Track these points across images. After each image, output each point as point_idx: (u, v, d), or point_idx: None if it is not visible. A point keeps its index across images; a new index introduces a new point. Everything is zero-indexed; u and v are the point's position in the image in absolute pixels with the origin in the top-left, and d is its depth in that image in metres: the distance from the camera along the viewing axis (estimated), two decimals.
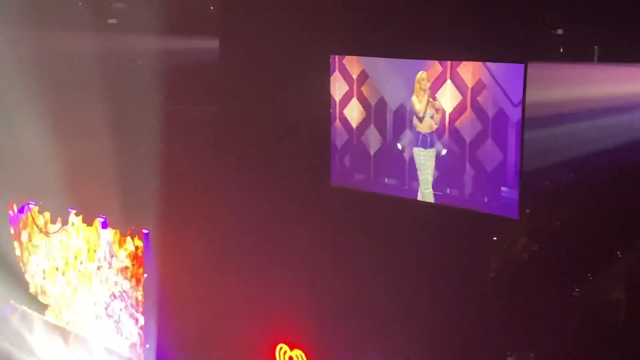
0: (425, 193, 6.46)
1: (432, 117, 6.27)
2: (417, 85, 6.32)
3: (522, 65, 5.76)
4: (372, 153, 6.80)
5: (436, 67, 6.27)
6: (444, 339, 6.52)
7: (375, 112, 6.72)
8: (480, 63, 5.99)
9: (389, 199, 6.74)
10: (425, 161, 6.41)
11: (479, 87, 6.07)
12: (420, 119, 6.32)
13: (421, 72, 6.30)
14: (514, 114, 5.91)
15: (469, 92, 6.14)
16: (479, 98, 6.09)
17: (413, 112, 6.46)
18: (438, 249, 6.58)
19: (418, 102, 6.28)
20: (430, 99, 6.23)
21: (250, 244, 7.60)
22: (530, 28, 5.96)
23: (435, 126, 6.26)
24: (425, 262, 6.64)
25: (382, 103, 6.66)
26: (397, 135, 6.57)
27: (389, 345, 6.83)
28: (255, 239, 7.59)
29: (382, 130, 6.69)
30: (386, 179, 6.75)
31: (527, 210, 6.19)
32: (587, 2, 5.72)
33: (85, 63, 8.15)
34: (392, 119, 6.56)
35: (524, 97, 5.79)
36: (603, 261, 6.07)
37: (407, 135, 6.49)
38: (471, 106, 6.12)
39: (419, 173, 6.46)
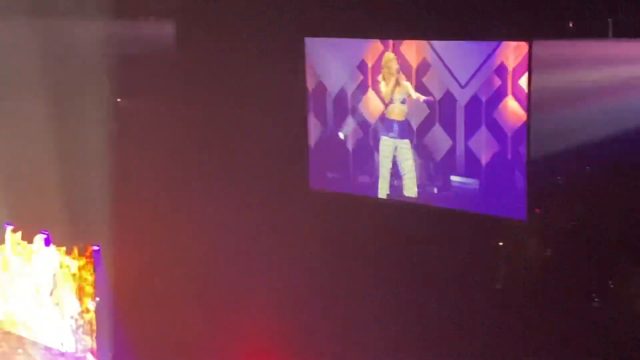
0: (409, 188, 6.44)
1: (403, 102, 6.23)
2: (384, 69, 6.27)
3: (510, 44, 5.69)
4: (312, 145, 6.83)
5: (376, 46, 6.31)
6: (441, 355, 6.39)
7: (313, 98, 6.87)
8: (425, 41, 6.07)
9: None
10: (404, 153, 6.38)
11: (423, 67, 6.15)
12: (386, 105, 6.31)
13: (388, 52, 6.24)
14: (462, 96, 5.96)
15: (413, 73, 6.19)
16: (424, 79, 6.17)
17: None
18: (434, 255, 6.44)
19: (385, 86, 6.28)
20: (401, 82, 6.28)
21: (215, 257, 7.43)
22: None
23: (407, 112, 6.27)
24: (420, 270, 6.51)
25: (320, 87, 6.75)
26: (338, 123, 6.72)
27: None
28: (221, 251, 7.40)
29: (321, 118, 6.83)
30: (330, 173, 6.87)
31: (537, 210, 6.03)
32: None
33: (21, 55, 7.92)
34: (332, 106, 6.73)
35: (529, 82, 5.66)
36: (626, 265, 5.82)
37: (349, 124, 6.62)
38: (416, 88, 6.22)
39: (382, 166, 6.48)
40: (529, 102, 5.68)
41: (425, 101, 6.10)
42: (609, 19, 5.57)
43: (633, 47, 5.53)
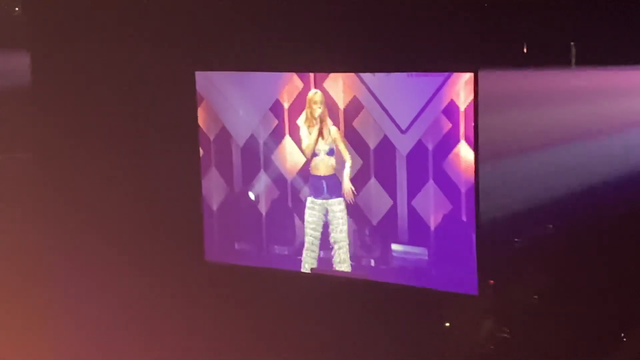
0: (341, 261, 6.02)
1: (330, 154, 5.91)
2: (307, 111, 5.85)
3: (462, 76, 5.30)
4: (215, 208, 6.43)
5: (293, 81, 5.89)
6: None
7: (215, 148, 6.49)
8: (353, 75, 5.67)
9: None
10: (337, 217, 5.92)
11: (354, 107, 5.77)
12: (309, 158, 5.97)
13: (314, 91, 5.78)
14: (403, 144, 5.63)
15: (341, 115, 5.80)
16: (355, 123, 5.78)
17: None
18: (366, 342, 5.77)
19: (307, 135, 5.89)
20: (328, 129, 5.88)
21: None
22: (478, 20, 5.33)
23: (336, 165, 5.94)
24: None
25: (224, 135, 6.36)
26: (247, 180, 6.31)
27: None
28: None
29: (225, 174, 6.43)
30: (237, 244, 6.40)
31: (491, 282, 5.53)
32: None
33: None
34: (239, 158, 6.36)
35: (476, 121, 5.29)
36: (603, 348, 5.21)
37: (262, 180, 6.26)
38: (345, 135, 5.87)
39: (308, 235, 6.03)
40: (477, 146, 5.36)
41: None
42: (571, 44, 5.22)
43: (602, 76, 5.10)
